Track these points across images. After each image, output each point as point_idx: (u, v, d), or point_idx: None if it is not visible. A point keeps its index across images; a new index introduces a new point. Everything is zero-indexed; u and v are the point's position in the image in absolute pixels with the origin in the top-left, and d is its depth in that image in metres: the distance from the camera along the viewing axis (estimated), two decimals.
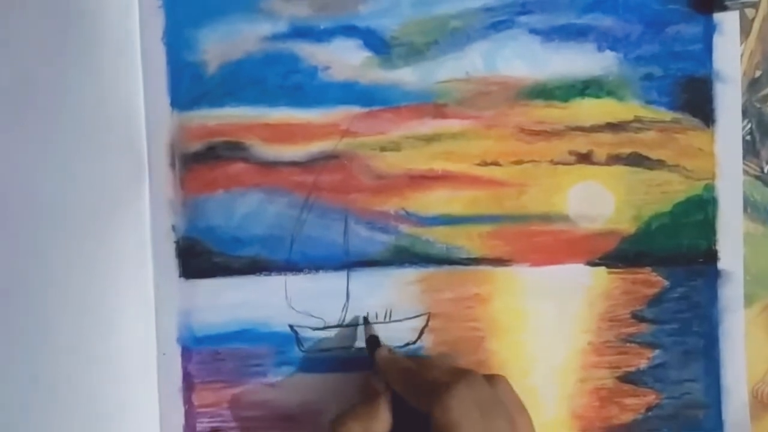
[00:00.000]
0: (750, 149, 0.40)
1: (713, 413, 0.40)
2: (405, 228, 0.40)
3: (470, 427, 0.32)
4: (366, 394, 0.36)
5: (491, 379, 0.35)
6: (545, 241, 0.40)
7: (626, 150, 0.40)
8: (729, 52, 0.40)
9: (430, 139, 0.40)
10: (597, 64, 0.40)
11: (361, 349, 0.39)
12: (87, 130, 0.39)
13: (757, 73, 0.40)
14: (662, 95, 0.40)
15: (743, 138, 0.40)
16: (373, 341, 0.38)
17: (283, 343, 0.39)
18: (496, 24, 0.39)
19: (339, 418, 0.34)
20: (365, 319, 0.39)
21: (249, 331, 0.39)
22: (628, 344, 0.40)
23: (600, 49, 0.40)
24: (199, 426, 0.39)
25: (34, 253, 0.39)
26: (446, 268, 0.40)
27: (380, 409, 0.34)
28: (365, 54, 0.39)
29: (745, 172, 0.40)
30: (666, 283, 0.40)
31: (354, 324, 0.40)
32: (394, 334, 0.39)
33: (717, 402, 0.40)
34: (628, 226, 0.40)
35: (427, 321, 0.39)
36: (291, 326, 0.39)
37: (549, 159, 0.40)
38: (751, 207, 0.40)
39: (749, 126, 0.40)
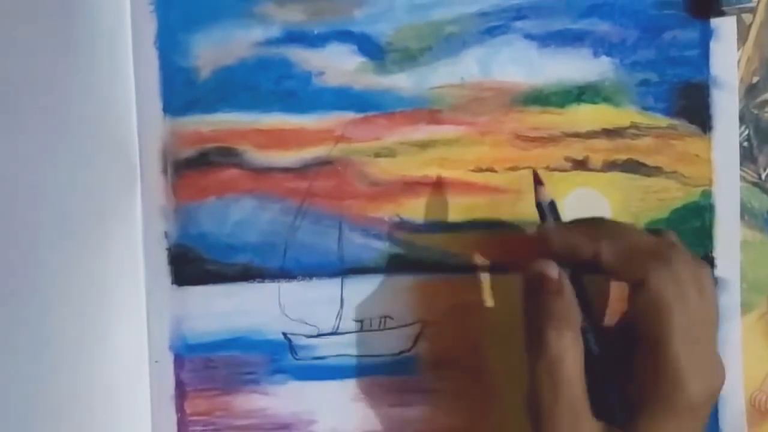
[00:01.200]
0: (747, 155, 0.40)
1: (710, 422, 0.39)
2: (400, 235, 0.39)
3: (681, 305, 0.30)
4: (546, 286, 0.33)
5: (693, 256, 0.33)
6: None
7: (622, 156, 0.40)
8: (726, 58, 0.39)
9: (424, 145, 0.39)
10: (593, 69, 0.39)
11: (356, 356, 0.39)
12: (78, 136, 0.38)
13: (755, 79, 0.40)
14: (659, 101, 0.39)
15: (740, 144, 0.39)
16: (543, 210, 0.35)
17: (276, 351, 0.39)
18: (492, 29, 0.39)
19: (546, 325, 0.31)
20: (536, 175, 0.36)
21: (242, 338, 0.39)
22: None
23: (596, 54, 0.39)
24: None
25: (24, 259, 0.38)
26: (441, 276, 0.39)
27: (572, 302, 0.32)
28: (359, 59, 0.39)
29: (743, 179, 0.40)
30: None
31: (349, 332, 0.39)
32: (388, 342, 0.39)
33: (714, 411, 0.40)
34: None
35: (422, 328, 0.39)
36: (284, 334, 0.39)
37: (545, 165, 0.39)
38: (748, 214, 0.40)
39: (746, 132, 0.40)
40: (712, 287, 0.32)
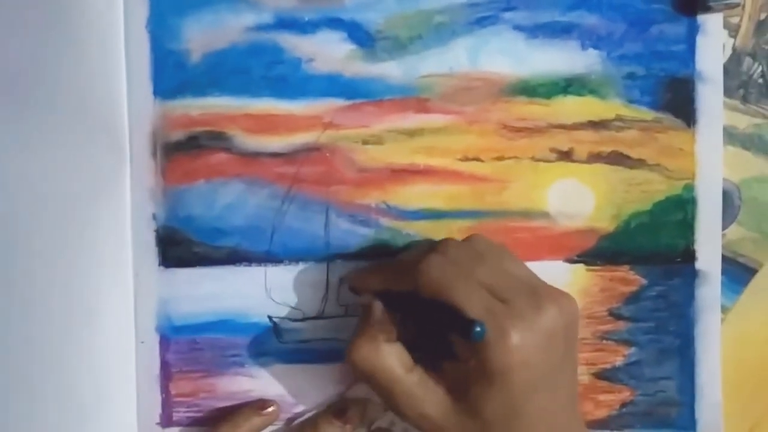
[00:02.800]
0: (764, 92, 0.40)
1: (686, 411, 0.40)
2: (386, 221, 0.40)
3: (453, 280, 0.32)
4: (363, 314, 0.36)
5: (468, 239, 0.36)
6: (525, 237, 0.40)
7: (607, 148, 0.40)
8: (712, 53, 0.40)
9: (412, 133, 0.40)
10: (580, 62, 0.40)
11: (340, 340, 0.39)
12: (68, 118, 0.38)
13: (763, 15, 0.40)
14: (644, 94, 0.40)
15: (755, 81, 0.39)
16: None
17: (261, 334, 0.39)
18: (481, 20, 0.39)
19: (352, 347, 0.34)
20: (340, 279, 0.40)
21: (228, 321, 0.39)
22: (604, 341, 0.40)
23: (583, 47, 0.40)
24: (175, 415, 0.40)
25: (12, 240, 0.39)
26: None
27: (378, 313, 0.35)
28: (349, 47, 0.39)
29: (762, 116, 0.40)
30: (643, 281, 0.40)
31: (333, 316, 0.40)
32: None
33: (691, 400, 0.40)
34: (607, 225, 0.40)
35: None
36: (270, 317, 0.39)
37: (530, 156, 0.40)
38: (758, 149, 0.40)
39: (760, 69, 0.40)
40: (484, 253, 0.34)
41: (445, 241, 0.35)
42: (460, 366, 0.32)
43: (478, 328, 0.30)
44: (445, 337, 0.33)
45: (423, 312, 0.34)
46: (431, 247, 0.35)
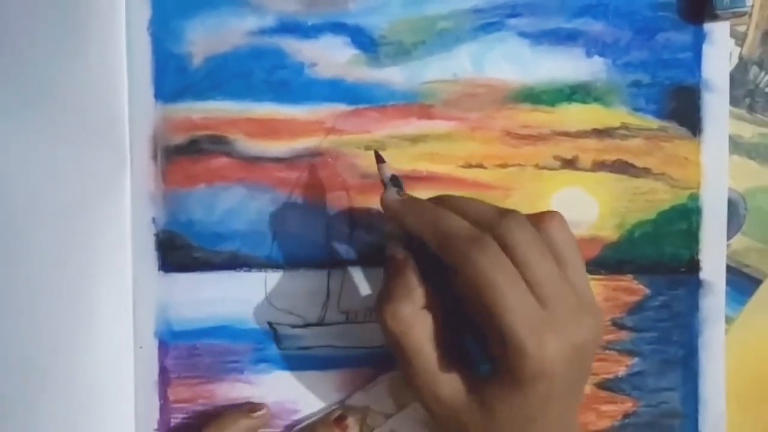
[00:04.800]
0: None
1: (689, 423, 0.40)
2: (388, 228, 0.39)
3: (504, 281, 0.30)
4: (392, 267, 0.34)
5: (541, 217, 0.33)
6: None
7: (612, 157, 0.40)
8: (718, 62, 0.39)
9: (415, 139, 0.39)
10: (585, 69, 0.39)
11: (340, 347, 0.39)
12: (69, 120, 0.38)
13: None
14: (650, 103, 0.39)
15: (762, 90, 0.39)
16: (395, 182, 0.36)
17: (261, 340, 0.39)
18: (485, 26, 0.39)
19: (384, 299, 0.32)
20: (377, 154, 0.36)
21: (227, 327, 0.39)
22: (607, 351, 0.40)
23: (588, 54, 0.39)
24: (173, 421, 0.39)
25: (10, 243, 0.38)
26: None
27: (415, 278, 0.33)
28: (353, 52, 0.39)
29: (764, 124, 0.39)
30: (647, 291, 0.40)
31: (334, 323, 0.39)
32: (373, 334, 0.39)
33: (694, 412, 0.40)
34: (611, 233, 0.40)
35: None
36: (270, 323, 0.39)
37: (534, 163, 0.40)
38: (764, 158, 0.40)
39: (767, 78, 0.39)
40: (551, 246, 0.32)
41: (513, 218, 0.31)
42: (486, 358, 0.32)
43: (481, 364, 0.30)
44: (477, 327, 0.32)
45: (458, 292, 0.32)
46: (493, 220, 0.31)
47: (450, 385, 0.32)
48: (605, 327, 0.38)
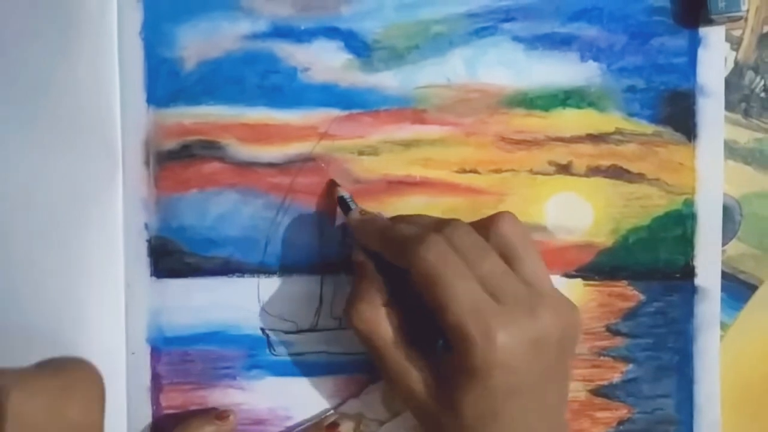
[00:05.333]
0: (766, 106, 0.39)
1: (684, 429, 0.40)
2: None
3: (450, 272, 0.31)
4: (357, 272, 0.36)
5: (490, 219, 0.34)
6: None
7: (606, 162, 0.39)
8: (713, 67, 0.39)
9: (408, 144, 0.39)
10: (580, 74, 0.39)
11: (333, 353, 0.39)
12: (60, 125, 0.38)
13: (765, 29, 0.39)
14: (644, 108, 0.39)
15: (758, 95, 0.39)
16: (344, 203, 0.38)
17: (254, 347, 0.39)
18: (479, 30, 0.39)
19: (349, 308, 0.34)
20: (332, 181, 0.39)
21: (220, 333, 0.39)
22: (601, 358, 0.40)
23: (583, 59, 0.39)
24: (165, 427, 0.39)
25: (2, 248, 0.38)
26: None
27: (373, 281, 0.34)
28: (346, 56, 0.39)
29: (764, 130, 0.39)
30: (642, 297, 0.40)
31: (327, 329, 0.39)
32: None
33: (689, 418, 0.40)
34: (605, 239, 0.40)
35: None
36: (263, 329, 0.39)
37: (528, 168, 0.39)
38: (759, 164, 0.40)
39: (762, 82, 0.39)
40: (497, 243, 0.33)
41: (455, 224, 0.33)
42: (447, 353, 0.32)
43: (440, 342, 0.30)
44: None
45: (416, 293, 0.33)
46: (433, 225, 0.33)
47: (420, 380, 0.33)
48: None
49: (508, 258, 0.32)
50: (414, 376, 0.33)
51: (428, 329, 0.33)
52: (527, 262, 0.33)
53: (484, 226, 0.33)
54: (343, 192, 0.38)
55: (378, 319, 0.33)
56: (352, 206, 0.38)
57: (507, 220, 0.33)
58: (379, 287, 0.34)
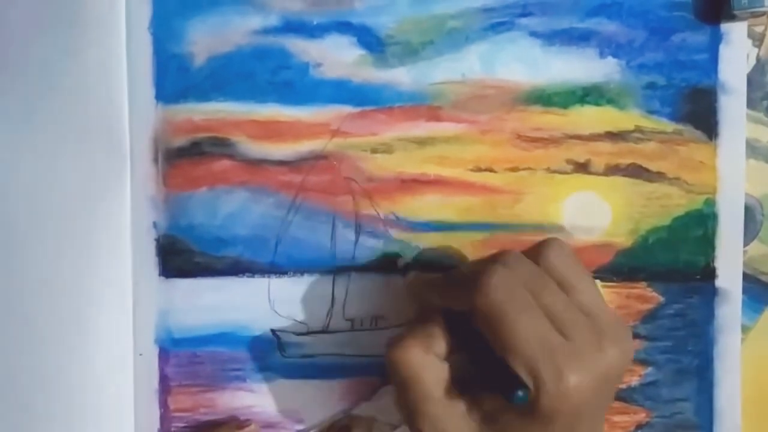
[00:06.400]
0: None
1: None
2: (395, 233, 0.39)
3: (516, 306, 0.29)
4: (421, 316, 0.34)
5: (537, 248, 0.32)
6: None
7: (625, 160, 0.39)
8: (735, 63, 0.39)
9: (423, 142, 0.39)
10: (598, 70, 0.39)
11: (345, 355, 0.39)
12: (68, 121, 0.38)
13: None
14: (665, 105, 0.39)
15: None
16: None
17: (264, 348, 0.39)
18: (496, 26, 0.38)
19: (397, 341, 0.32)
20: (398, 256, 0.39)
21: (229, 334, 0.39)
22: None
23: (602, 55, 0.39)
24: (174, 431, 0.39)
25: (7, 248, 0.38)
26: None
27: (437, 327, 0.32)
28: (359, 52, 0.38)
29: None
30: (661, 299, 0.39)
31: (339, 330, 0.39)
32: (379, 342, 0.38)
33: (709, 423, 0.39)
34: (624, 239, 0.39)
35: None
36: (273, 330, 0.39)
37: (545, 167, 0.39)
38: None
39: None
40: (555, 274, 0.31)
41: (508, 255, 0.31)
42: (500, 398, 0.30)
43: (520, 393, 0.29)
44: (495, 369, 0.31)
45: (477, 339, 0.31)
46: (488, 262, 0.31)
47: (458, 427, 0.31)
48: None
49: (563, 287, 0.31)
50: (453, 428, 0.31)
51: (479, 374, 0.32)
52: (583, 290, 0.31)
53: (532, 255, 0.32)
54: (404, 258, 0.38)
55: (427, 366, 0.31)
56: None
57: (555, 247, 0.32)
58: (440, 334, 0.32)
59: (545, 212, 0.39)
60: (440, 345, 0.32)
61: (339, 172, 0.39)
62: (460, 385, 0.32)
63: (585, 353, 0.29)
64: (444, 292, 0.33)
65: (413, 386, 0.31)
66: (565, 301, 0.30)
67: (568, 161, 0.39)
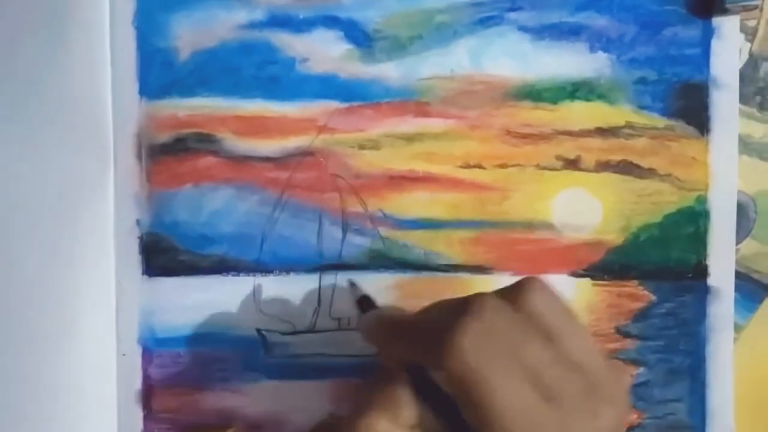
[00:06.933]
0: None
1: None
2: (382, 231, 0.38)
3: (495, 372, 0.25)
4: (380, 377, 0.30)
5: (516, 291, 0.28)
6: (528, 249, 0.39)
7: (616, 157, 0.39)
8: (727, 58, 0.38)
9: (411, 138, 0.38)
10: (588, 65, 0.38)
11: (332, 355, 0.38)
12: (49, 117, 0.37)
13: None
14: (656, 100, 0.38)
15: None
16: (366, 302, 0.36)
17: (249, 348, 0.38)
18: (484, 20, 0.38)
19: (360, 413, 0.28)
20: (350, 282, 0.38)
21: (214, 333, 0.38)
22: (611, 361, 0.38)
23: (592, 49, 0.38)
24: None
25: None
26: (424, 275, 0.38)
27: (403, 391, 0.28)
28: (346, 46, 0.38)
29: None
30: (653, 297, 0.39)
31: (326, 330, 0.38)
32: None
33: (701, 424, 0.39)
34: (615, 237, 0.39)
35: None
36: (259, 330, 0.38)
37: (535, 163, 0.38)
38: None
39: None
40: (537, 319, 0.27)
41: (483, 301, 0.27)
42: None
43: None
44: None
45: (449, 401, 0.27)
46: (463, 307, 0.27)
47: None
48: (607, 334, 0.36)
49: (548, 336, 0.27)
50: None
51: None
52: (571, 339, 0.27)
53: (510, 298, 0.28)
54: (362, 291, 0.37)
55: None
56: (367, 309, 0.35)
57: (537, 290, 0.28)
58: (407, 400, 0.28)
59: (534, 209, 0.38)
60: (409, 413, 0.28)
61: (326, 169, 0.38)
62: None
63: (576, 423, 0.26)
64: (408, 345, 0.29)
65: None
66: (551, 357, 0.26)
67: (558, 157, 0.38)
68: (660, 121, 0.38)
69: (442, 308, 0.29)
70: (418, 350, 0.28)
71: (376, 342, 0.32)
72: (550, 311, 0.28)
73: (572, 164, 0.38)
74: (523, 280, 0.29)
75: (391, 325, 0.31)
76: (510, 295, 0.28)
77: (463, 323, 0.26)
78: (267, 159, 0.38)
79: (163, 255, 0.38)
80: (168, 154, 0.38)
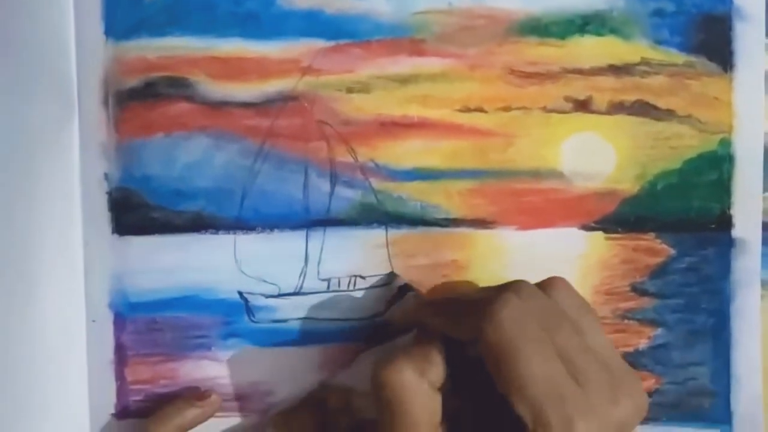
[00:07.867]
0: None
1: (721, 403, 0.37)
2: (374, 182, 0.37)
3: (529, 343, 0.28)
4: (418, 339, 0.32)
5: (546, 285, 0.31)
6: (535, 200, 0.37)
7: (631, 97, 0.37)
8: None
9: (405, 80, 0.37)
10: None
11: (320, 320, 0.37)
12: (7, 61, 0.36)
13: None
14: (674, 35, 0.37)
15: None
16: (405, 289, 0.37)
17: (230, 312, 0.37)
18: None
19: (388, 360, 0.30)
20: (392, 272, 0.37)
21: (191, 297, 0.37)
22: (626, 321, 0.38)
23: None
24: (132, 405, 0.37)
25: None
26: (420, 230, 0.37)
27: (435, 352, 0.31)
28: None
29: None
30: (672, 251, 0.37)
31: (313, 292, 0.37)
32: (357, 304, 0.37)
33: (726, 390, 0.37)
34: (630, 186, 0.37)
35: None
36: (240, 293, 0.37)
37: (541, 106, 0.37)
38: None
39: None
40: (565, 311, 0.30)
41: (521, 285, 0.30)
42: None
43: None
44: (493, 409, 0.29)
45: (475, 373, 0.30)
46: (499, 289, 0.30)
47: None
48: (622, 292, 0.37)
49: (576, 329, 0.30)
50: None
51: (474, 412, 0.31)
52: (594, 336, 0.30)
53: (544, 291, 0.31)
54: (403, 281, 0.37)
55: (419, 394, 0.30)
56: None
57: (564, 287, 0.31)
58: (438, 361, 0.30)
59: (541, 157, 0.37)
60: (437, 372, 0.30)
61: (311, 115, 0.37)
62: (451, 424, 0.31)
63: (598, 405, 0.28)
64: (447, 317, 0.31)
65: (400, 414, 0.30)
66: (579, 345, 0.29)
67: (567, 99, 0.37)
68: (679, 57, 0.37)
69: (482, 290, 0.33)
70: (458, 323, 0.30)
71: (416, 321, 0.33)
72: (575, 307, 0.31)
73: (582, 106, 0.37)
74: (549, 278, 0.32)
75: (432, 303, 0.33)
76: (538, 287, 0.31)
77: (504, 296, 0.29)
78: (246, 105, 0.37)
79: (134, 212, 0.37)
80: (137, 100, 0.37)
